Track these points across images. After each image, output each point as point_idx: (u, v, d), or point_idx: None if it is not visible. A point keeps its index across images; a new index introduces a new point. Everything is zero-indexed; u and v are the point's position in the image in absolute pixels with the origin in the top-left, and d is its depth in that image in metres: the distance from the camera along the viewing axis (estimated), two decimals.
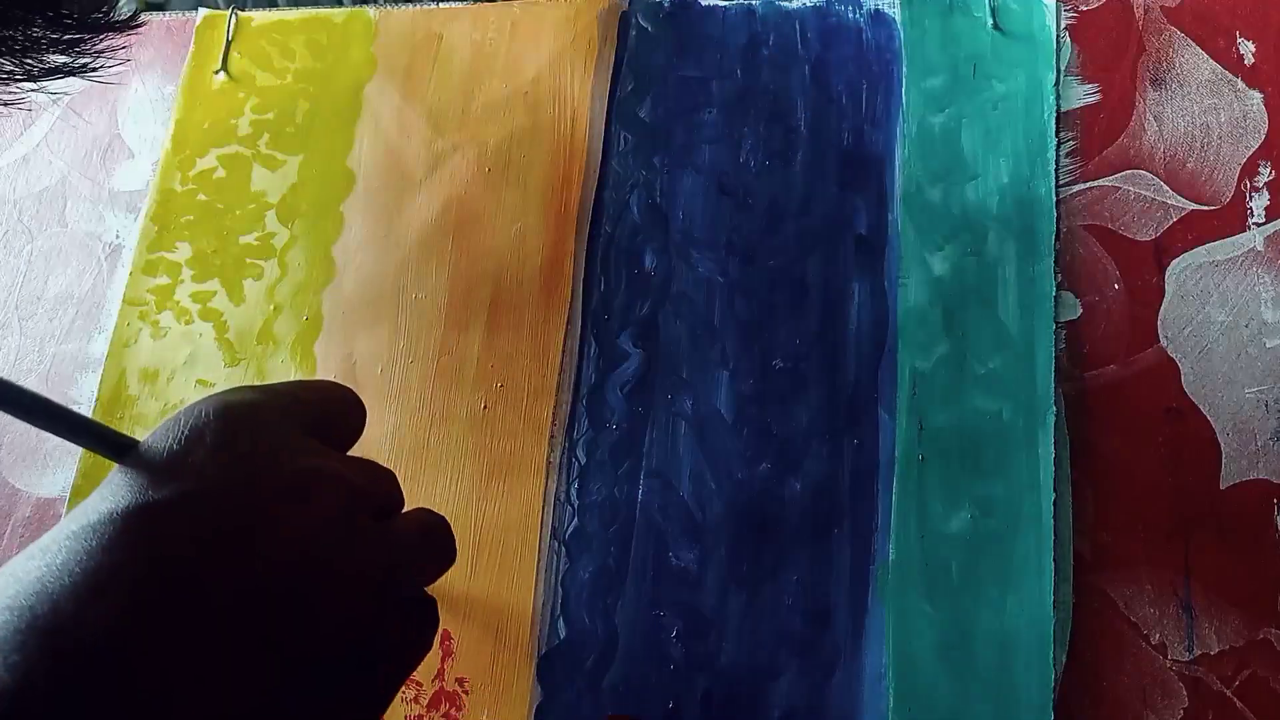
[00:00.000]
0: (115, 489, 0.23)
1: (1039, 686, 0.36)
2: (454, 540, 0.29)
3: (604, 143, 0.47)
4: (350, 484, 0.25)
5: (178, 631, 0.21)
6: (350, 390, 0.29)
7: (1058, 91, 0.44)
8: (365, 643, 0.24)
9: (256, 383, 0.45)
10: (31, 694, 0.19)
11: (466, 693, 0.39)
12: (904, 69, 0.46)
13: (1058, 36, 0.45)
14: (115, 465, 0.24)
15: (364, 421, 0.30)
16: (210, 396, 0.25)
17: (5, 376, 0.23)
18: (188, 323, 0.47)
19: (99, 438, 0.24)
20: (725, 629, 0.39)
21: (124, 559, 0.21)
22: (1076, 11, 0.45)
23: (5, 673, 0.19)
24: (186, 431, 0.24)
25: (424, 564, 0.27)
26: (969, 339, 0.41)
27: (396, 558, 0.26)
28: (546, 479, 0.42)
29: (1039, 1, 0.46)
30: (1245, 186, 0.42)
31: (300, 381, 0.29)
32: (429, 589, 0.28)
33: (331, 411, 0.28)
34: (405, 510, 0.28)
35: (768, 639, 0.38)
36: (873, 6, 0.47)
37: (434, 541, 0.28)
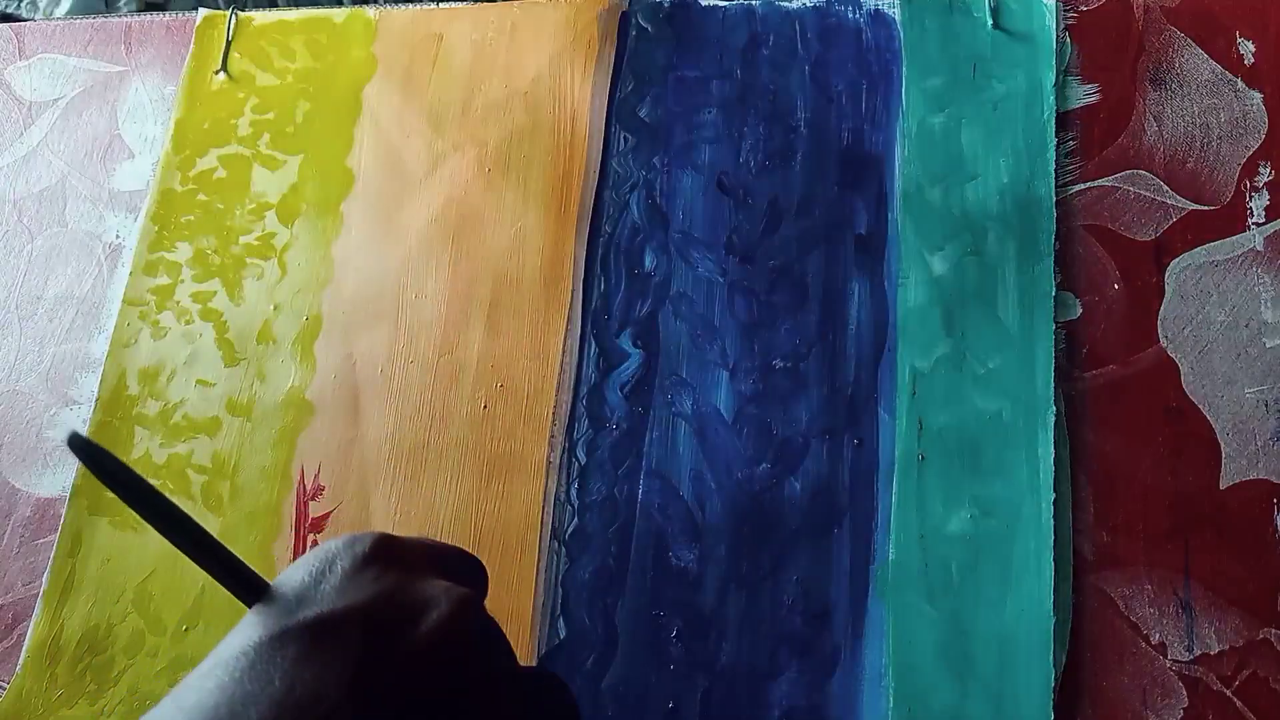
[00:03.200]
0: (247, 625, 0.22)
1: (1039, 686, 0.36)
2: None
3: (604, 143, 0.47)
4: (478, 603, 0.25)
5: None
6: (477, 558, 0.29)
7: (1058, 91, 0.44)
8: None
9: (258, 383, 0.45)
10: None
11: None
12: (904, 69, 0.46)
13: (1058, 36, 0.45)
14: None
15: (487, 583, 0.29)
16: (342, 536, 0.25)
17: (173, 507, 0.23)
18: (188, 323, 0.47)
19: (236, 575, 0.24)
20: (725, 629, 0.39)
21: (254, 690, 0.21)
22: (1076, 11, 0.45)
23: None
24: (316, 564, 0.24)
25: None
26: (969, 339, 0.41)
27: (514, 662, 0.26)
28: (546, 479, 0.42)
29: (1039, 1, 0.46)
30: (1245, 186, 0.42)
31: (432, 540, 0.28)
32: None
33: (459, 562, 0.28)
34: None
35: (768, 639, 0.38)
36: (873, 6, 0.47)
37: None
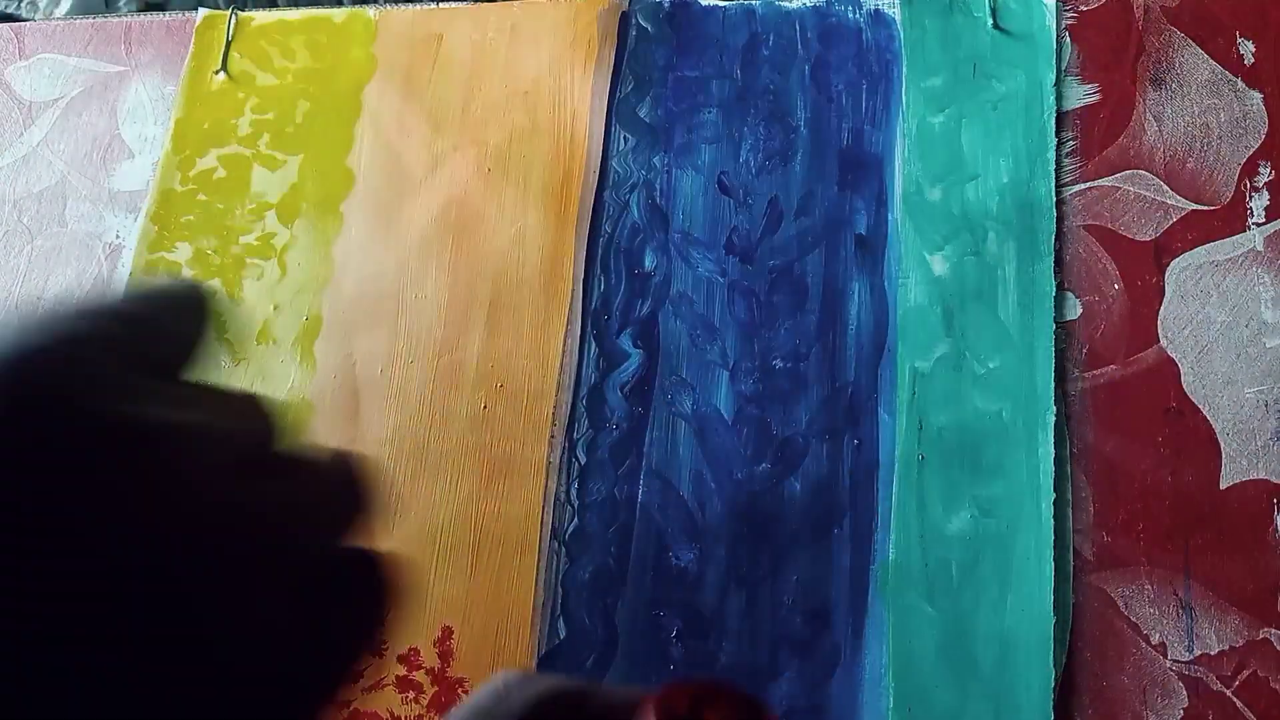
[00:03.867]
0: None
1: (1039, 686, 0.36)
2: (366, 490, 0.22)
3: (604, 143, 0.47)
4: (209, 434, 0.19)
5: None
6: (176, 282, 0.22)
7: (1058, 91, 0.44)
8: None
9: (258, 383, 0.45)
10: None
11: (466, 693, 0.39)
12: (904, 69, 0.46)
13: (1058, 36, 0.45)
14: None
15: (207, 319, 0.22)
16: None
17: None
18: None
19: None
20: (725, 629, 0.39)
21: None
22: (1076, 11, 0.45)
23: None
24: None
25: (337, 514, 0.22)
26: (969, 339, 0.41)
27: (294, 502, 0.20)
28: (546, 479, 0.42)
29: (1039, 1, 0.46)
30: (1245, 186, 0.42)
31: (115, 304, 0.20)
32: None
33: (154, 330, 0.21)
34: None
35: (768, 639, 0.38)
36: (873, 6, 0.47)
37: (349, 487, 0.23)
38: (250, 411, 0.21)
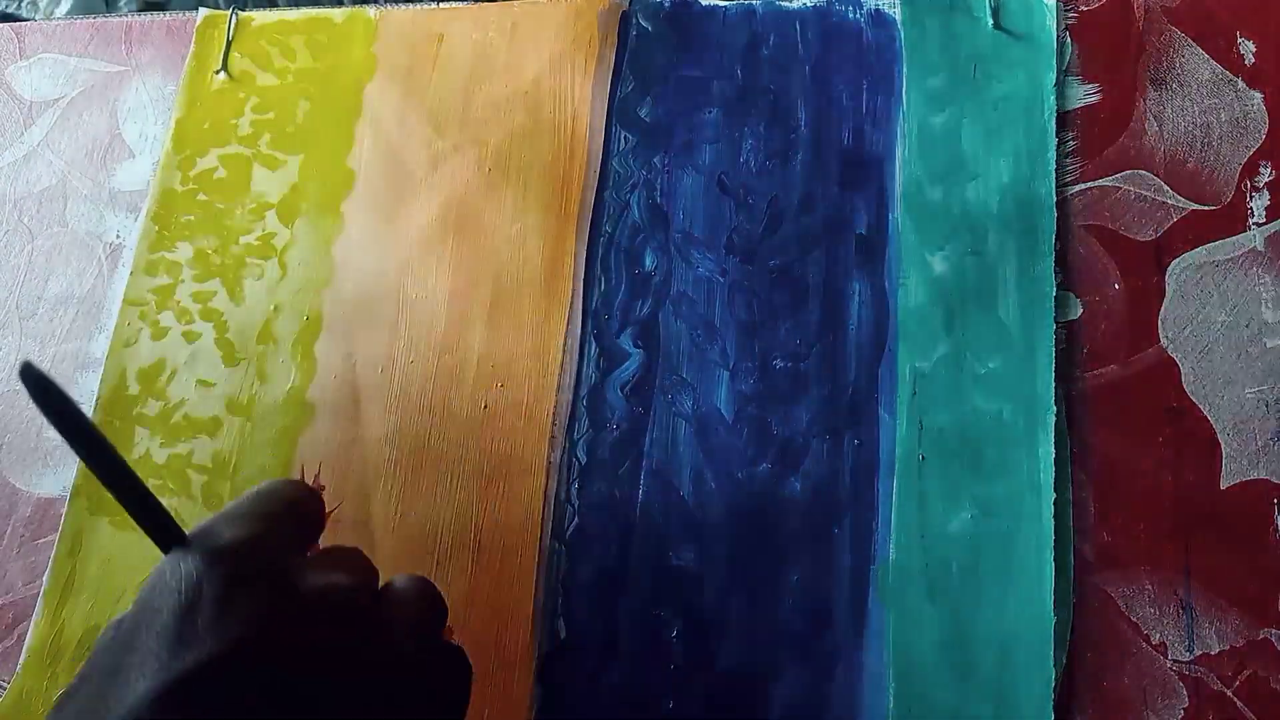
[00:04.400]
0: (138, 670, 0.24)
1: (1039, 686, 0.36)
2: (440, 594, 0.30)
3: (604, 142, 0.47)
4: (348, 587, 0.27)
5: None
6: (301, 483, 0.31)
7: (1058, 91, 0.44)
8: (409, 705, 0.27)
9: (258, 383, 0.45)
10: None
11: None
12: (904, 69, 0.46)
13: (1058, 36, 0.45)
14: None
15: (323, 508, 0.31)
16: (191, 549, 0.26)
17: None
18: (188, 322, 0.47)
19: (160, 525, 0.26)
20: (725, 629, 0.39)
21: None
22: (1077, 11, 0.45)
23: None
24: (189, 596, 0.25)
25: (426, 620, 0.29)
26: (969, 339, 0.41)
27: (403, 625, 0.28)
28: (547, 479, 0.42)
29: (1040, 1, 0.46)
30: (1245, 186, 0.42)
31: (257, 496, 0.29)
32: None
33: (298, 515, 0.29)
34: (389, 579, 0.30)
35: (768, 639, 0.38)
36: (873, 6, 0.47)
37: (427, 599, 0.30)
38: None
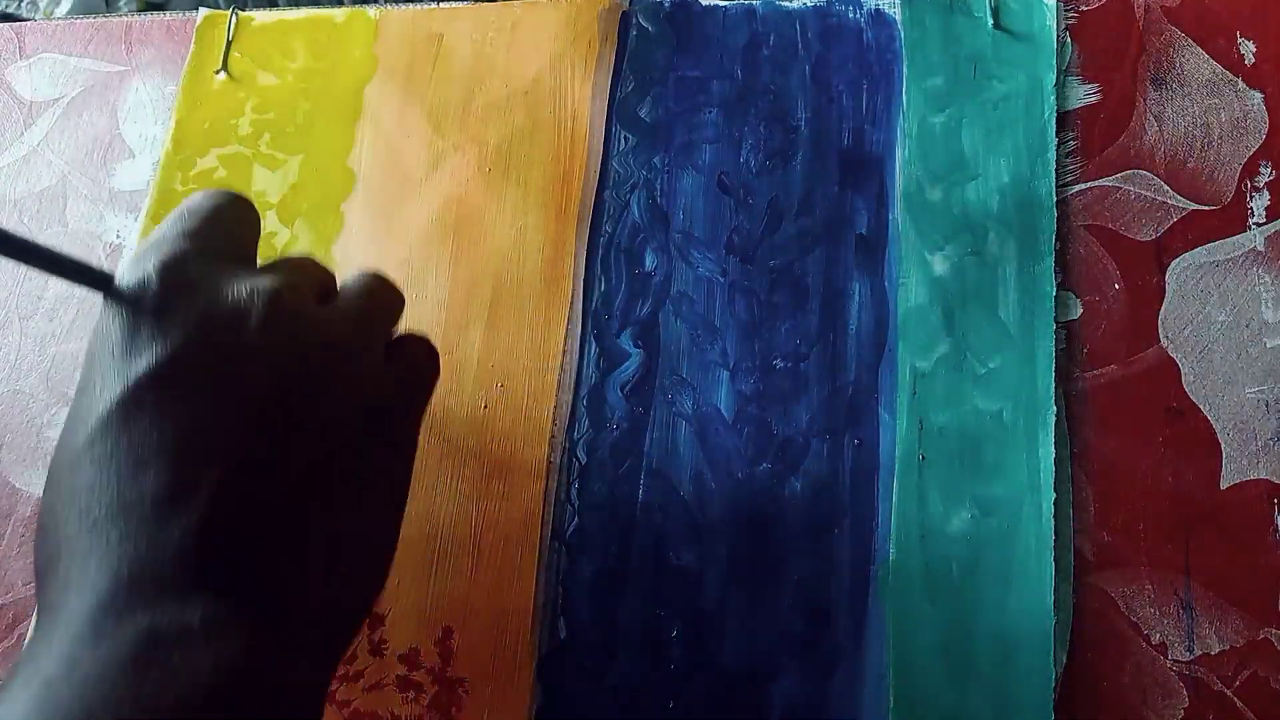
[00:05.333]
0: (107, 370, 0.26)
1: (1039, 686, 0.36)
2: (396, 287, 0.33)
3: (604, 142, 0.47)
4: (289, 286, 0.28)
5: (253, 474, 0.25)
6: (231, 194, 0.32)
7: (1058, 91, 0.44)
8: (378, 395, 0.29)
9: None
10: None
11: (466, 693, 0.39)
12: (904, 69, 0.46)
13: (1058, 36, 0.45)
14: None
15: (257, 219, 0.33)
16: (137, 263, 0.28)
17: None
18: None
19: (85, 274, 0.28)
20: (725, 629, 0.39)
21: (139, 444, 0.25)
22: (1077, 11, 0.45)
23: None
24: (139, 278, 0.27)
25: (380, 315, 0.32)
26: (969, 339, 0.41)
27: (356, 324, 0.30)
28: (547, 479, 0.42)
29: (1040, 1, 0.46)
30: (1246, 186, 0.42)
31: (191, 209, 0.30)
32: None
33: (235, 224, 0.31)
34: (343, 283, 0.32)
35: (768, 639, 0.38)
36: (873, 6, 0.47)
37: (379, 294, 0.32)
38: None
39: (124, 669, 0.22)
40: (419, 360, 0.33)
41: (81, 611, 0.23)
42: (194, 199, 0.31)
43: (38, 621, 0.25)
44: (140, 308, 0.26)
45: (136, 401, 0.25)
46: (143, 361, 0.25)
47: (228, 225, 0.31)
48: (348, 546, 0.28)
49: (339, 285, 0.32)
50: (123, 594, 0.23)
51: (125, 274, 0.28)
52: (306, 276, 0.31)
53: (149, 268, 0.27)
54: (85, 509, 0.24)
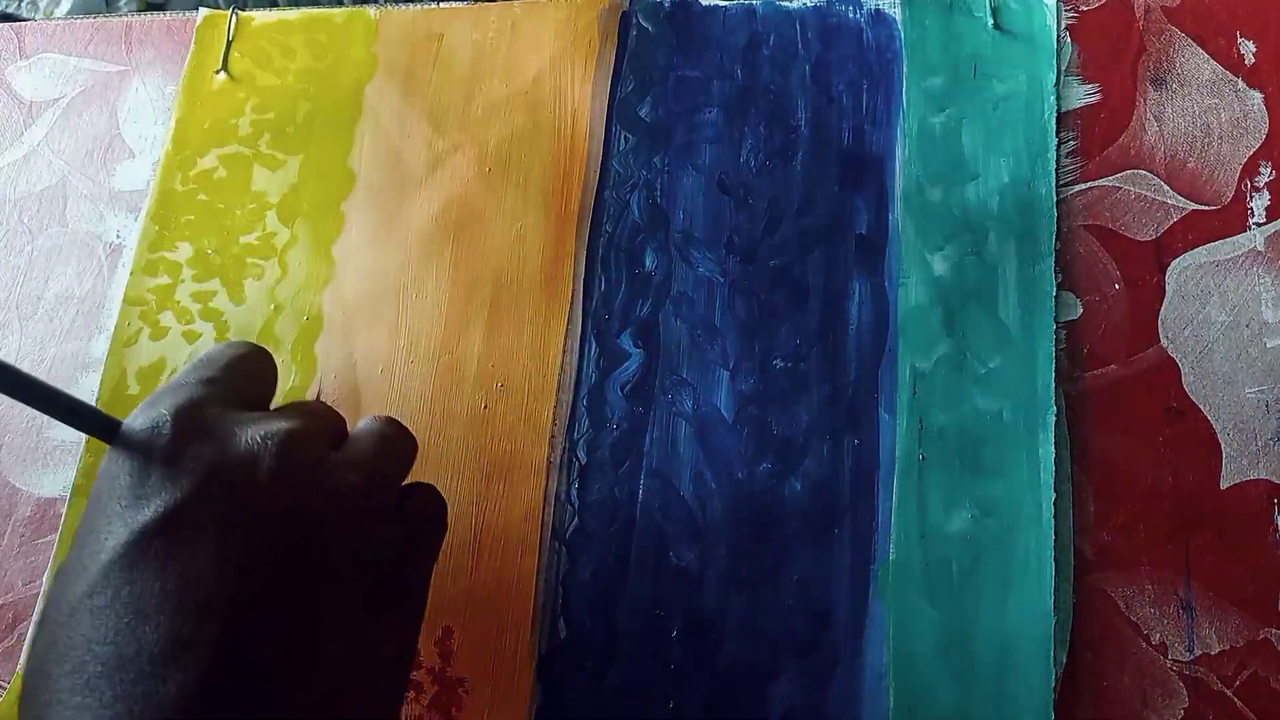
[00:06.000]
0: (115, 521, 0.25)
1: (1039, 686, 0.36)
2: (409, 434, 0.32)
3: (604, 142, 0.47)
4: (302, 431, 0.28)
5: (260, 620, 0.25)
6: (244, 343, 0.32)
7: (1058, 91, 0.44)
8: (387, 548, 0.29)
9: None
10: None
11: (466, 693, 0.39)
12: (904, 69, 0.46)
13: (1058, 36, 0.45)
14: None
15: (271, 363, 0.32)
16: (151, 406, 0.27)
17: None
18: (188, 322, 0.47)
19: (90, 419, 0.27)
20: (725, 629, 0.39)
21: (141, 595, 0.24)
22: (1077, 11, 0.45)
23: None
24: (159, 442, 0.27)
25: (393, 464, 0.31)
26: (969, 339, 0.41)
27: (369, 474, 0.29)
28: (547, 479, 0.42)
29: (1039, 1, 0.46)
30: (1245, 186, 0.42)
31: (210, 358, 0.30)
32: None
33: (242, 372, 0.31)
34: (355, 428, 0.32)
35: (768, 639, 0.38)
36: (873, 6, 0.47)
37: (392, 441, 0.31)
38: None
39: None
40: (429, 513, 0.32)
41: None
42: (213, 349, 0.31)
43: None
44: (151, 452, 0.26)
45: (141, 550, 0.24)
46: (150, 509, 0.25)
47: (245, 374, 0.30)
48: (349, 699, 0.26)
49: (353, 429, 0.31)
50: None
51: (138, 417, 0.27)
52: (319, 421, 0.30)
53: (164, 410, 0.27)
54: (79, 665, 0.23)
